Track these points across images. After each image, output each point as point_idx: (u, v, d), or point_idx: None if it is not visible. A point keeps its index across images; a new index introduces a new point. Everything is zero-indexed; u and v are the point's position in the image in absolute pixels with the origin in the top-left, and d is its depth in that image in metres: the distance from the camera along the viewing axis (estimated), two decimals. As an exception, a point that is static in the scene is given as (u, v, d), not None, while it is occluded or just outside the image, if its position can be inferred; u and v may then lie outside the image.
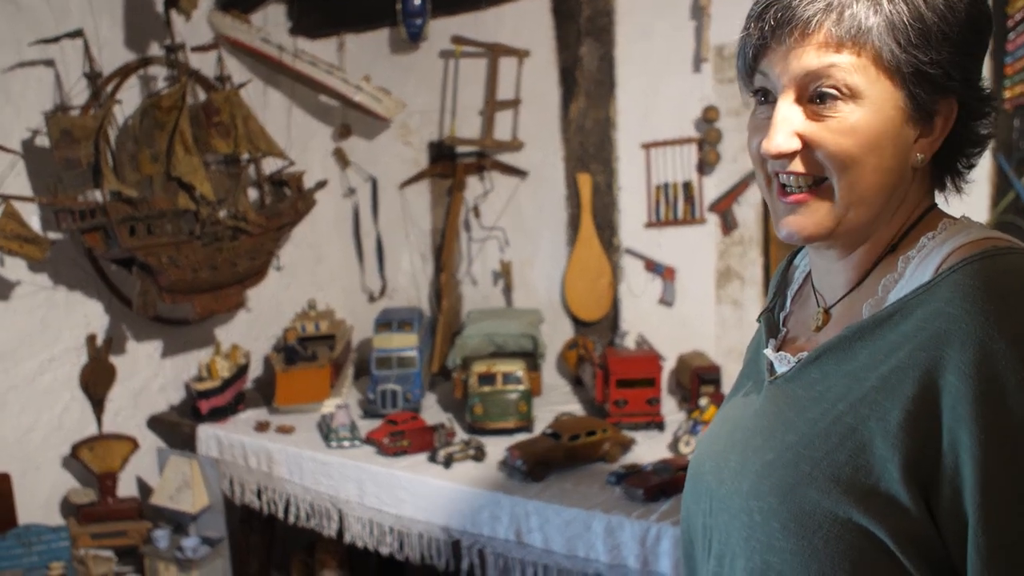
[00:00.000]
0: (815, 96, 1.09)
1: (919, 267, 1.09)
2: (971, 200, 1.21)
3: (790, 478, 1.09)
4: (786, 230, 1.15)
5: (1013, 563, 0.94)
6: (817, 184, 1.12)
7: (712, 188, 3.77)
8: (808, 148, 1.11)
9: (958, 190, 1.20)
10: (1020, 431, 0.93)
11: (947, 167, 1.17)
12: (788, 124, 1.11)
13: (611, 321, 4.08)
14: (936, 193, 1.20)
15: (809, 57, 1.08)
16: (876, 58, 1.06)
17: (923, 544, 1.01)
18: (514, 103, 4.17)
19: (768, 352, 1.29)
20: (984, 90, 1.12)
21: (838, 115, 1.08)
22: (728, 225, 3.72)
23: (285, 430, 3.63)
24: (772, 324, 1.38)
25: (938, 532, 1.00)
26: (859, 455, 1.03)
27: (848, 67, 1.07)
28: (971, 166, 1.18)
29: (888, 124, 1.08)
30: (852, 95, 1.07)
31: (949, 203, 1.22)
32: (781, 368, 1.24)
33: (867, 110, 1.07)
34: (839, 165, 1.09)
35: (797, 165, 1.12)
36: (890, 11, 1.05)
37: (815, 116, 1.10)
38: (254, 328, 4.43)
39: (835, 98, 1.08)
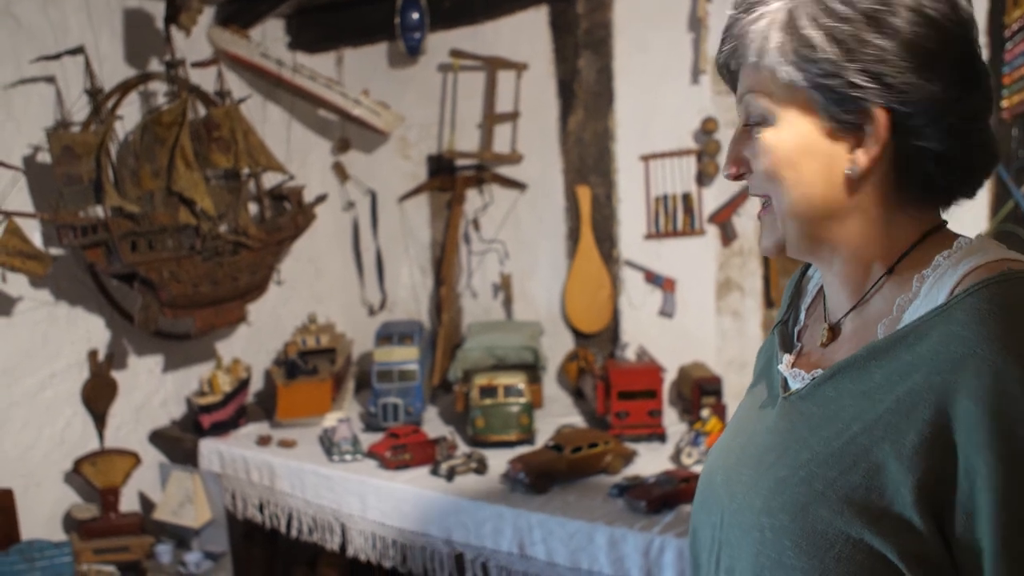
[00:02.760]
0: (750, 122, 1.19)
1: (934, 287, 1.08)
2: (969, 209, 1.20)
3: (803, 496, 1.09)
4: (759, 244, 1.27)
5: None
6: (768, 203, 1.21)
7: (711, 199, 3.78)
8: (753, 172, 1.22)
9: (929, 203, 1.17)
10: None
11: (909, 182, 1.14)
12: (734, 150, 1.22)
13: (611, 333, 4.09)
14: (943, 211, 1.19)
15: (740, 89, 1.20)
16: (775, 80, 1.13)
17: (934, 568, 1.00)
18: (513, 116, 4.19)
19: (782, 368, 1.29)
20: (911, 98, 1.08)
21: (760, 136, 1.17)
22: (728, 236, 3.73)
23: (287, 444, 3.63)
24: (786, 338, 1.38)
25: (951, 557, 0.99)
26: (873, 476, 1.03)
27: (759, 91, 1.16)
28: (950, 181, 1.14)
29: (800, 139, 1.13)
30: (767, 118, 1.16)
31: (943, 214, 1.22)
32: (795, 384, 1.23)
33: (779, 128, 1.15)
34: (765, 183, 1.18)
35: (750, 187, 1.23)
36: (778, 35, 1.12)
37: (751, 141, 1.19)
38: (255, 342, 4.44)
39: (757, 123, 1.17)
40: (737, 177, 1.22)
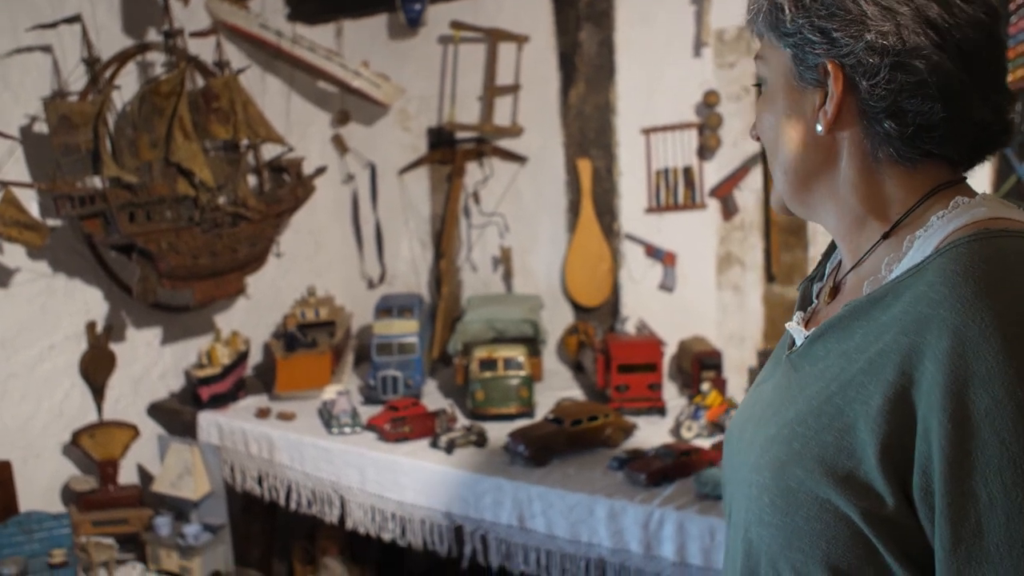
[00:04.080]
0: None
1: (922, 246, 1.08)
2: (972, 184, 1.17)
3: (783, 455, 1.10)
4: None
5: (972, 556, 0.93)
6: None
7: (713, 173, 3.76)
8: None
9: (922, 162, 1.13)
10: (983, 422, 0.92)
11: (881, 138, 1.13)
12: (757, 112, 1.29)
13: (611, 307, 4.08)
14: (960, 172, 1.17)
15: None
16: (764, 44, 1.22)
17: (898, 531, 1.00)
18: (513, 88, 4.16)
19: (789, 324, 1.31)
20: (851, 51, 1.09)
21: (759, 99, 1.26)
22: (729, 210, 3.72)
23: (286, 417, 3.63)
24: (807, 295, 1.39)
25: (917, 521, 0.99)
26: (843, 437, 1.03)
27: (758, 59, 1.24)
28: (911, 139, 1.11)
29: (778, 97, 1.21)
30: (762, 81, 1.25)
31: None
32: (799, 342, 1.24)
33: (768, 89, 1.23)
34: (764, 142, 1.26)
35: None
36: (763, 5, 1.19)
37: None
38: (254, 315, 4.42)
39: (764, 83, 1.25)
40: (758, 138, 1.29)
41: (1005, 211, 1.06)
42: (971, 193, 1.13)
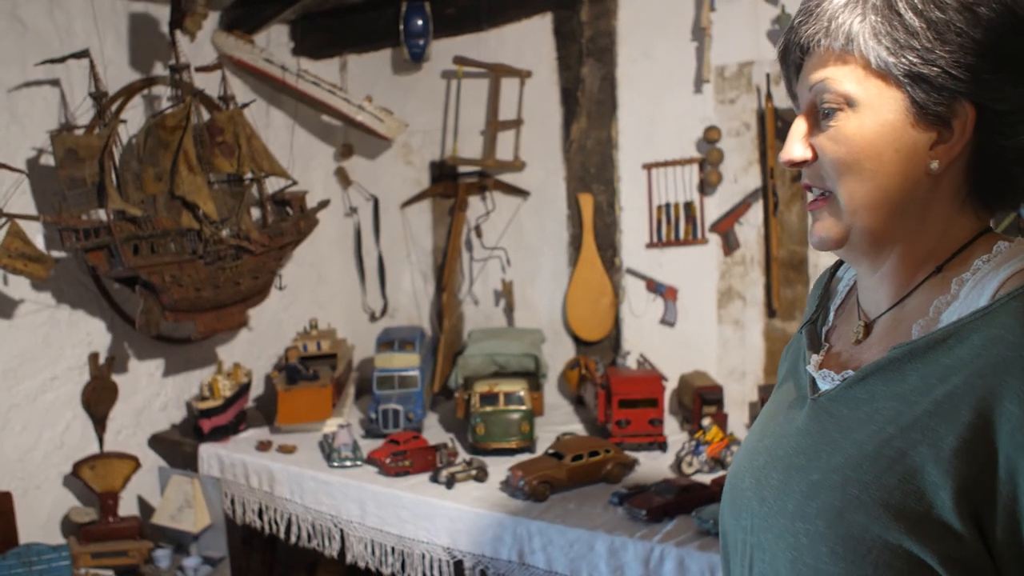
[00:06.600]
0: (821, 110, 1.15)
1: (974, 290, 1.07)
2: None
3: (837, 501, 1.07)
4: (813, 238, 1.21)
5: None
6: (828, 193, 1.17)
7: (713, 208, 3.78)
8: (817, 160, 1.17)
9: (1002, 209, 1.16)
10: None
11: (985, 182, 1.13)
12: (799, 135, 1.18)
13: (613, 341, 4.08)
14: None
15: (812, 74, 1.16)
16: (866, 64, 1.10)
17: (976, 572, 0.99)
18: (516, 123, 4.19)
19: (810, 369, 1.27)
20: (1003, 95, 1.07)
21: (836, 124, 1.13)
22: (730, 245, 3.73)
23: (287, 450, 3.63)
24: (815, 338, 1.36)
25: (992, 561, 0.98)
26: (910, 480, 1.01)
27: (840, 77, 1.12)
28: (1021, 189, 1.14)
29: (886, 128, 1.10)
30: (848, 103, 1.12)
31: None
32: (824, 385, 1.22)
33: (863, 116, 1.12)
34: (836, 172, 1.14)
35: (808, 177, 1.19)
36: (874, 18, 1.08)
37: (822, 128, 1.16)
38: (256, 347, 4.43)
39: (835, 109, 1.13)
40: (798, 164, 1.19)
41: None
42: (1004, 238, 1.14)
